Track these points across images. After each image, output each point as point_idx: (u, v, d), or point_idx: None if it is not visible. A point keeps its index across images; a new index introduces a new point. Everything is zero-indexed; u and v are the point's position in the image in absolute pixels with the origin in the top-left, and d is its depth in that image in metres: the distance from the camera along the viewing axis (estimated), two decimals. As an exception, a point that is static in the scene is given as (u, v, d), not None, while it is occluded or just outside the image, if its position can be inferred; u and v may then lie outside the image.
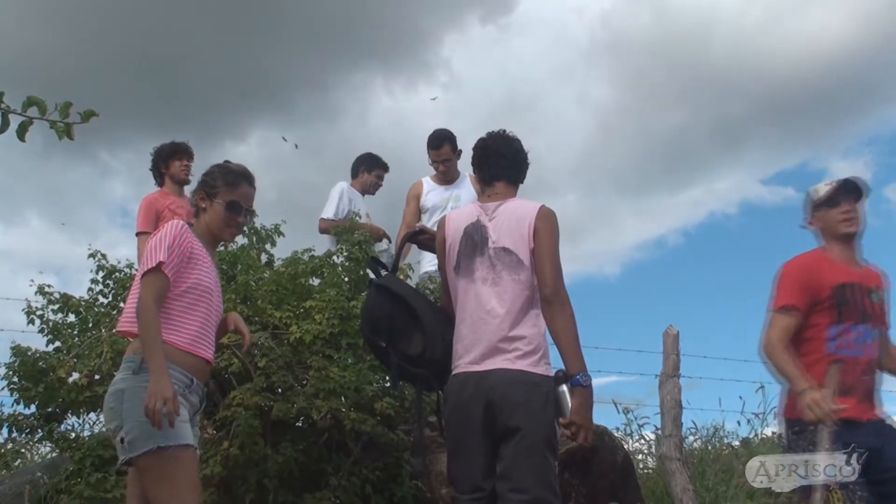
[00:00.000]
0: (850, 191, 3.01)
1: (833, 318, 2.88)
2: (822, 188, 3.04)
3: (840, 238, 3.01)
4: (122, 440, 2.40)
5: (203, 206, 2.74)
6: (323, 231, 5.20)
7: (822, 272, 2.93)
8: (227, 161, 2.84)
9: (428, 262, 4.86)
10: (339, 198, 5.29)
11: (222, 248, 4.14)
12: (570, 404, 2.53)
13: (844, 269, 2.96)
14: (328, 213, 5.24)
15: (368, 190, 5.58)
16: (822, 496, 2.68)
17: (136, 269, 4.39)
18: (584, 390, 2.54)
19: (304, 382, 3.87)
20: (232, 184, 2.73)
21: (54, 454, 4.80)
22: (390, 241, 5.28)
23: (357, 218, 4.93)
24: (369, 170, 5.58)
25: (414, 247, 3.74)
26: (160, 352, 2.39)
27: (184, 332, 2.54)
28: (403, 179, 5.70)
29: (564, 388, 2.55)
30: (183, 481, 2.40)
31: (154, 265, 2.49)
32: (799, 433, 2.83)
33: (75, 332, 4.25)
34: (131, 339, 2.60)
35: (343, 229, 4.59)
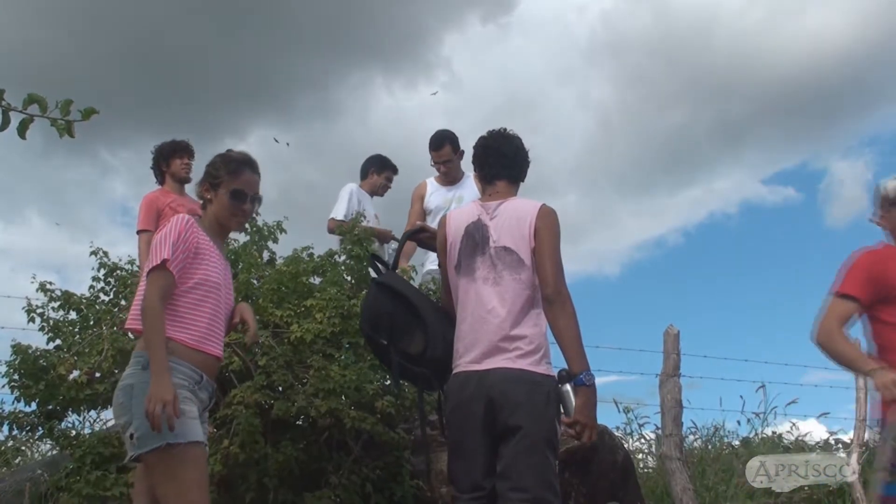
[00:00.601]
0: None
1: None
2: (892, 185, 2.93)
3: None
4: (131, 436, 2.39)
5: (208, 197, 2.71)
6: (331, 231, 5.21)
7: (893, 267, 2.84)
8: (229, 150, 2.81)
9: (431, 262, 4.87)
10: (348, 199, 5.30)
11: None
12: (573, 403, 2.53)
13: None
14: (338, 214, 5.24)
15: (377, 192, 5.60)
16: None
17: (138, 267, 4.45)
18: (587, 389, 2.54)
19: (305, 381, 3.88)
20: (234, 172, 2.69)
21: (55, 452, 4.81)
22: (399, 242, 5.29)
23: (363, 220, 4.94)
24: (379, 171, 5.60)
25: (419, 248, 3.74)
26: (163, 353, 2.38)
27: (192, 329, 2.52)
28: (403, 179, 5.73)
29: (568, 387, 2.55)
30: (191, 479, 2.39)
31: (159, 262, 2.47)
32: None
33: (76, 330, 4.25)
34: (135, 336, 2.60)
35: (346, 229, 4.60)
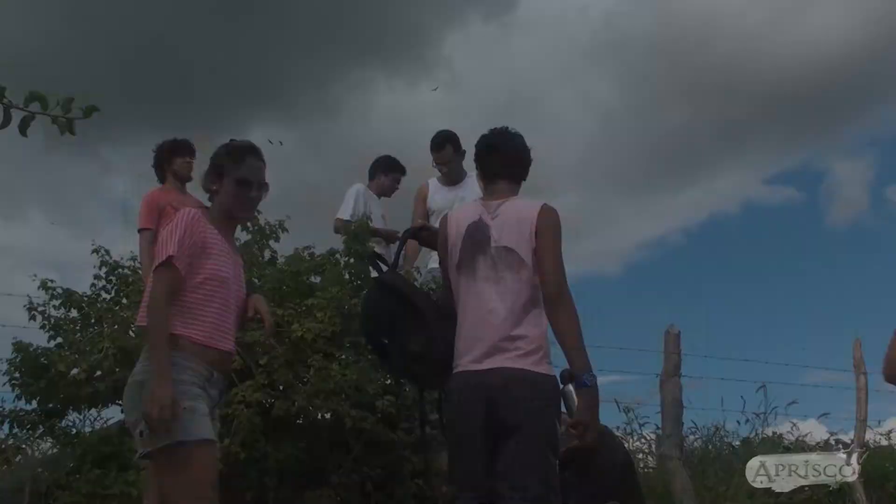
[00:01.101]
0: None
1: None
2: None
3: None
4: (141, 433, 2.36)
5: (214, 188, 2.67)
6: (337, 231, 5.21)
7: None
8: (231, 139, 2.77)
9: (433, 261, 4.86)
10: (354, 199, 5.30)
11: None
12: (576, 404, 2.52)
13: None
14: (345, 214, 5.24)
15: (385, 193, 5.60)
16: None
17: (139, 266, 4.44)
18: (589, 390, 2.53)
19: (305, 380, 3.88)
20: (238, 160, 2.65)
21: (55, 450, 4.81)
22: None
23: (369, 221, 4.93)
24: (386, 173, 5.60)
25: (423, 249, 3.73)
26: (164, 354, 2.35)
27: (202, 326, 2.48)
28: (405, 177, 5.72)
29: (570, 387, 2.54)
30: (199, 477, 2.36)
31: (164, 259, 2.44)
32: None
33: (77, 328, 4.25)
34: (136, 335, 2.58)
35: (350, 230, 4.59)
